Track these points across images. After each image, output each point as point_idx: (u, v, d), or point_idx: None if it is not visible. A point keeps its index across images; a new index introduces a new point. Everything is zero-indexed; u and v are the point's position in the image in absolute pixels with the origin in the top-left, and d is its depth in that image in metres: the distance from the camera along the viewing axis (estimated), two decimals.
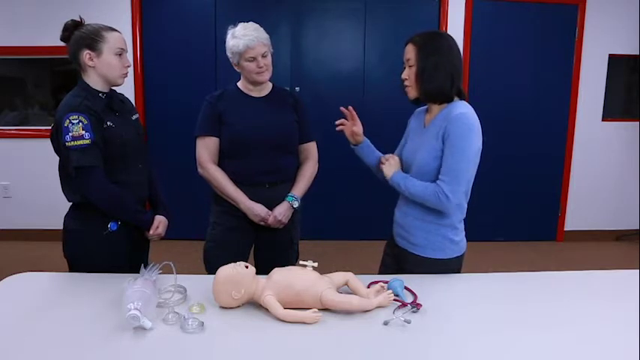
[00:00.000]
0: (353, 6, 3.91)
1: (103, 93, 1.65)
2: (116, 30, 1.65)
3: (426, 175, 1.55)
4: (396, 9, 3.93)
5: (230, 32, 1.88)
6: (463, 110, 1.51)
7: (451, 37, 1.60)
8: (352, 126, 1.77)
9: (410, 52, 1.57)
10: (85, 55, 1.60)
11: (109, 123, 1.61)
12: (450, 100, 1.57)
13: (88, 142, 1.53)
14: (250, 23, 1.89)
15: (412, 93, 1.60)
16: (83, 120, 1.53)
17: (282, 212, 1.91)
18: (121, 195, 1.63)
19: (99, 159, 1.57)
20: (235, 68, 1.94)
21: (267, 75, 1.91)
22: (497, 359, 1.13)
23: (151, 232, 1.73)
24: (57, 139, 1.59)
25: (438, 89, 1.55)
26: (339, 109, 1.79)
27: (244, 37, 1.83)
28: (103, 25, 1.64)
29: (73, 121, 1.52)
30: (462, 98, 1.59)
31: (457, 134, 1.48)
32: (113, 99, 1.69)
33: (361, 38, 3.96)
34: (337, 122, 1.79)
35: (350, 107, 1.78)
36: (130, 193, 1.68)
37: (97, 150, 1.56)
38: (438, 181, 1.52)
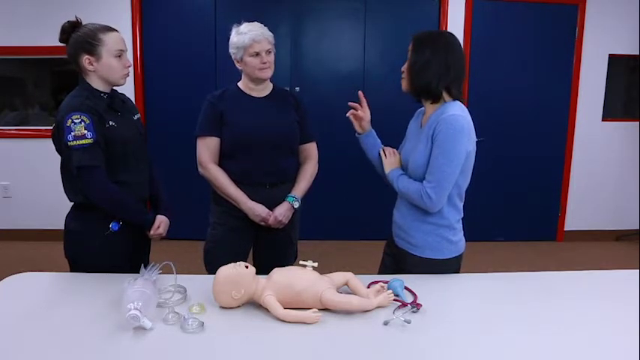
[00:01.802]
0: (353, 6, 3.91)
1: (105, 93, 1.65)
2: (114, 30, 1.63)
3: (420, 176, 1.55)
4: (396, 9, 3.92)
5: (234, 30, 1.89)
6: (454, 112, 1.50)
7: (454, 37, 1.60)
8: (359, 110, 1.75)
9: (410, 45, 1.60)
10: (85, 60, 1.59)
11: (110, 123, 1.61)
12: (436, 99, 1.57)
13: (90, 141, 1.53)
14: (255, 22, 1.90)
15: (404, 85, 1.62)
16: (85, 119, 1.53)
17: (282, 213, 1.91)
18: (122, 195, 1.63)
19: (100, 159, 1.57)
20: (237, 65, 1.94)
21: (270, 72, 1.91)
22: (497, 359, 1.13)
23: (152, 231, 1.73)
24: (58, 138, 1.59)
25: (425, 85, 1.55)
26: (348, 103, 1.75)
27: (250, 32, 1.84)
28: (100, 25, 1.62)
29: (75, 121, 1.52)
30: (457, 99, 1.57)
31: (445, 136, 1.48)
32: (115, 99, 1.68)
33: (361, 38, 3.95)
34: (351, 106, 1.75)
35: (360, 92, 1.77)
36: (131, 193, 1.68)
37: (99, 150, 1.56)
38: (424, 181, 1.53)
